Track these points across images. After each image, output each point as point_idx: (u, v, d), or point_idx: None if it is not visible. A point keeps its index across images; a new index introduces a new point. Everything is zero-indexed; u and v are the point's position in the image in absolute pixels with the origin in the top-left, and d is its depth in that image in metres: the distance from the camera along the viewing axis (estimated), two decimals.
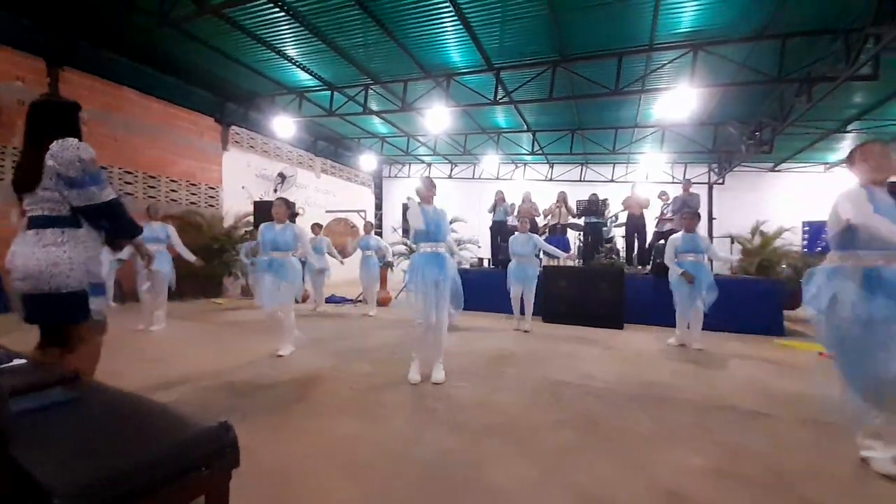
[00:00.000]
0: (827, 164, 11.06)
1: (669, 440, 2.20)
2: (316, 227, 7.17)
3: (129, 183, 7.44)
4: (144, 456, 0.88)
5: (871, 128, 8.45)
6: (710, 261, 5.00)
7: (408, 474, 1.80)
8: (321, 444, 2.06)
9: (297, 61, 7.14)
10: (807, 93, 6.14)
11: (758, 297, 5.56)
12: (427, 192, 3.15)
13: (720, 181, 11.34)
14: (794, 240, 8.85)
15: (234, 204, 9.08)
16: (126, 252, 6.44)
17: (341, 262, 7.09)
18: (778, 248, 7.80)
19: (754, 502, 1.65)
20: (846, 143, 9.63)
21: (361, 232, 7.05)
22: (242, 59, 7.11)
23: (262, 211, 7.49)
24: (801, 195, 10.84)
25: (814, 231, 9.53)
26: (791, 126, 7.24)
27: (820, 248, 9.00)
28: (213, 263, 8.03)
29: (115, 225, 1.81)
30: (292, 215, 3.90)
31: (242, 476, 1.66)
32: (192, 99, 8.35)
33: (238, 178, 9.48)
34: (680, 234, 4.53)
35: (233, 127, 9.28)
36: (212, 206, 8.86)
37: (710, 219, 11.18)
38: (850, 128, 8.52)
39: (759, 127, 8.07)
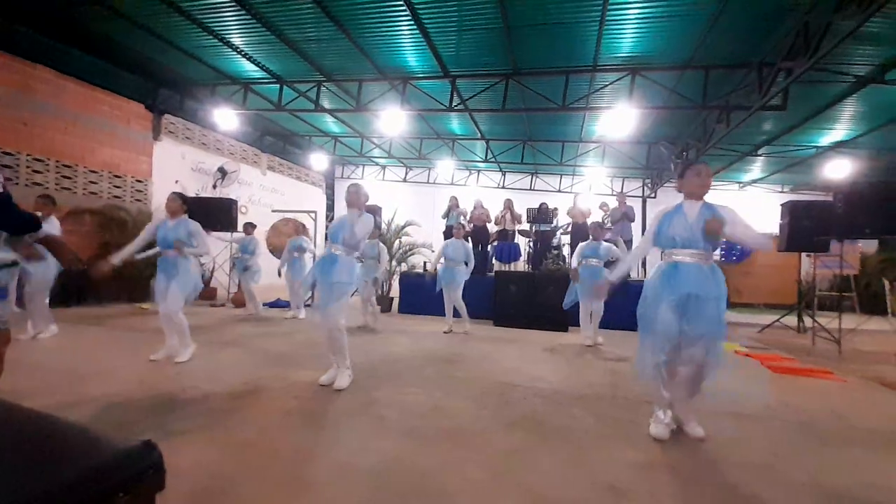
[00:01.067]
0: (741, 182, 12.47)
1: (609, 436, 2.33)
2: (249, 227, 6.77)
3: (39, 172, 6.57)
4: (53, 483, 0.77)
5: (778, 152, 9.67)
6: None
7: (355, 486, 1.74)
8: (260, 460, 1.93)
9: (242, 50, 6.74)
10: (726, 119, 6.89)
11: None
12: (350, 196, 3.13)
13: (653, 195, 12.34)
14: None
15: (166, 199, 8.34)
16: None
17: (253, 268, 6.62)
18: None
19: (681, 490, 1.79)
20: (757, 165, 10.93)
21: (311, 233, 6.79)
22: (179, 42, 6.57)
23: (199, 208, 6.94)
24: None
25: (729, 243, 10.66)
26: (712, 148, 8.07)
27: (735, 258, 10.12)
28: (138, 264, 7.31)
29: (7, 221, 1.58)
30: (189, 211, 3.65)
31: (168, 500, 1.51)
32: (119, 82, 7.57)
33: (171, 172, 8.72)
34: (588, 241, 5.01)
35: (166, 115, 8.54)
36: (139, 200, 8.07)
37: (644, 230, 12.13)
38: (760, 151, 9.67)
39: (686, 147, 8.90)
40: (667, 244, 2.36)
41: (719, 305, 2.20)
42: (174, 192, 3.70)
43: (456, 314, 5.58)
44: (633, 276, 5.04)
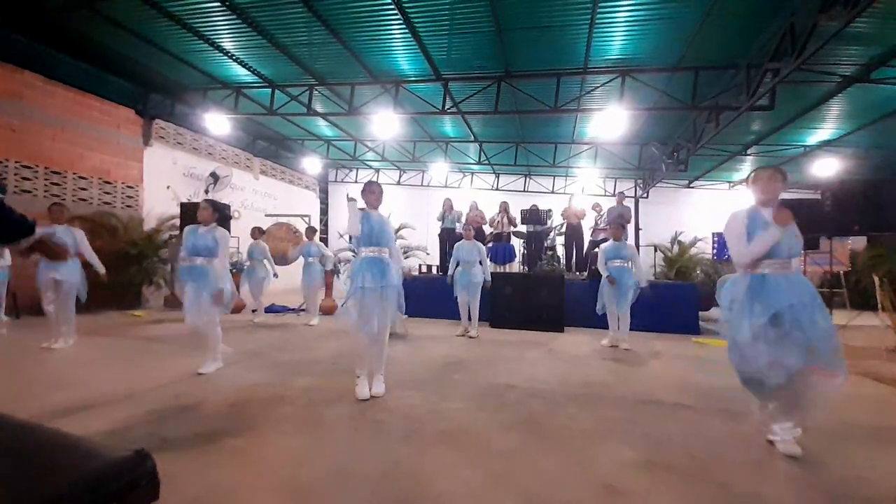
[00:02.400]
0: (731, 182, 12.62)
1: (605, 436, 2.34)
2: (256, 232, 6.75)
3: (28, 179, 6.49)
4: (45, 494, 0.75)
5: (767, 152, 9.80)
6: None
7: (354, 492, 1.72)
8: (255, 467, 1.91)
9: (233, 54, 6.71)
10: (715, 119, 6.97)
11: (676, 299, 6.16)
12: (371, 196, 3.05)
13: (645, 195, 12.45)
14: (706, 248, 9.99)
15: (158, 205, 8.26)
16: (7, 258, 5.62)
17: (275, 275, 6.69)
18: (693, 256, 8.73)
19: (678, 488, 1.80)
20: (746, 165, 11.07)
21: (304, 238, 6.75)
22: (169, 47, 6.53)
23: (191, 213, 6.89)
24: (710, 209, 12.22)
25: (722, 241, 10.75)
26: (702, 148, 8.16)
27: (727, 257, 10.23)
28: (130, 271, 7.22)
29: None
30: (221, 218, 3.59)
31: None
32: (109, 88, 7.51)
33: (163, 177, 8.65)
34: (609, 242, 4.95)
35: (157, 120, 8.48)
36: (130, 206, 7.99)
37: (637, 229, 12.23)
38: (749, 151, 9.80)
39: (677, 148, 9.00)
40: None
41: (823, 311, 2.06)
42: (206, 200, 3.64)
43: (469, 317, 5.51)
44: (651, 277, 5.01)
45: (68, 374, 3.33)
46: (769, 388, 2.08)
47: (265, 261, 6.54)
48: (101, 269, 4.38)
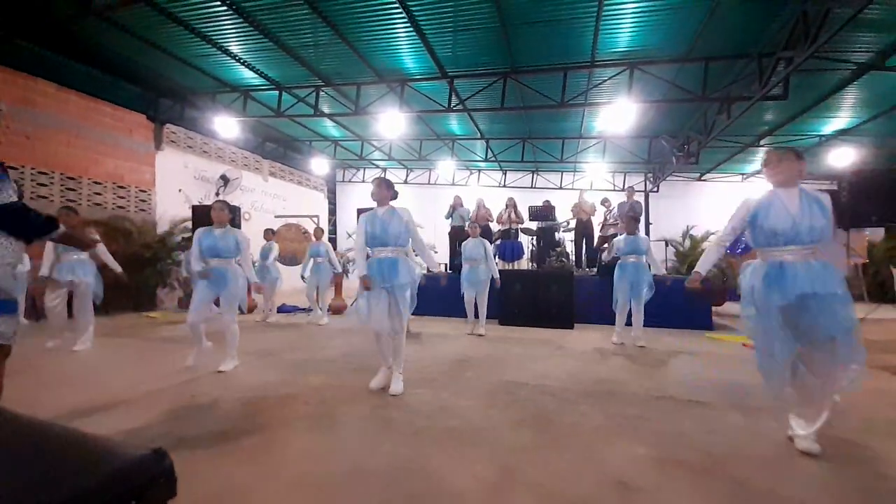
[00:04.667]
0: (744, 174, 12.38)
1: (618, 432, 2.32)
2: (269, 233, 6.86)
3: (44, 185, 6.65)
4: (65, 492, 0.77)
5: (781, 142, 9.59)
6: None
7: (366, 488, 1.74)
8: (270, 465, 1.94)
9: (240, 58, 6.79)
10: (726, 110, 6.85)
11: (689, 295, 6.07)
12: (378, 192, 3.00)
13: (655, 189, 12.29)
14: None
15: (170, 208, 8.40)
16: (27, 263, 5.76)
17: (278, 277, 6.77)
18: (705, 250, 8.59)
19: (691, 485, 1.78)
20: (760, 156, 10.85)
21: (313, 238, 6.81)
22: (178, 52, 6.63)
23: (202, 216, 6.99)
24: (723, 202, 11.99)
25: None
26: (714, 140, 8.03)
27: (740, 251, 10.04)
28: (145, 273, 7.36)
29: (23, 226, 1.60)
30: (233, 220, 3.64)
31: None
32: (120, 94, 7.66)
33: (174, 181, 8.79)
34: (623, 236, 4.81)
35: (168, 125, 8.61)
36: (143, 210, 8.14)
37: (647, 224, 12.09)
38: (762, 142, 9.61)
39: (687, 141, 8.86)
40: (766, 241, 2.10)
41: (845, 302, 1.93)
42: (220, 201, 3.64)
43: (477, 314, 5.49)
44: (654, 270, 4.89)
45: (87, 375, 3.41)
46: (782, 370, 2.01)
47: (274, 261, 6.64)
48: (118, 268, 4.46)
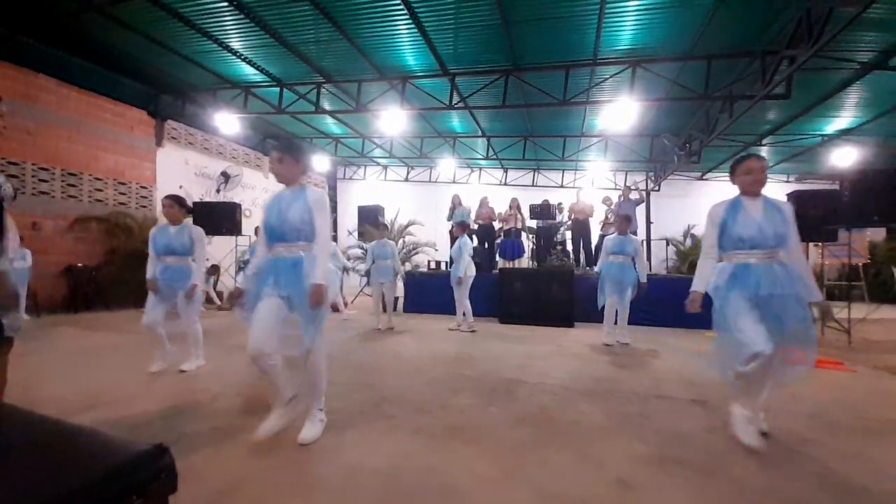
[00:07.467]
0: None
1: (617, 431, 2.32)
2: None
3: (45, 181, 6.65)
4: (67, 487, 0.78)
5: (783, 141, 9.58)
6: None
7: (366, 485, 1.75)
8: (271, 461, 1.95)
9: (241, 54, 6.77)
10: (729, 109, 6.82)
11: (689, 293, 6.06)
12: (280, 167, 2.17)
13: (656, 188, 12.27)
14: None
15: (162, 204, 8.40)
16: (28, 259, 5.75)
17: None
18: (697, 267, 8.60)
19: (691, 484, 1.78)
20: (762, 155, 10.83)
21: None
22: (179, 49, 6.61)
23: (203, 212, 7.00)
24: None
25: None
26: (716, 139, 8.00)
27: None
28: (145, 269, 7.37)
29: None
30: (189, 213, 3.48)
31: (181, 502, 1.53)
32: (121, 90, 7.65)
33: (175, 177, 8.79)
34: (613, 236, 4.78)
35: (168, 121, 8.60)
36: (144, 206, 8.15)
37: (649, 222, 12.07)
38: (765, 141, 9.58)
39: (689, 139, 8.83)
40: (731, 246, 2.22)
41: (802, 303, 2.06)
42: (169, 196, 3.38)
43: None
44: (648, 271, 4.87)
45: (86, 371, 3.42)
46: (747, 363, 2.02)
47: None
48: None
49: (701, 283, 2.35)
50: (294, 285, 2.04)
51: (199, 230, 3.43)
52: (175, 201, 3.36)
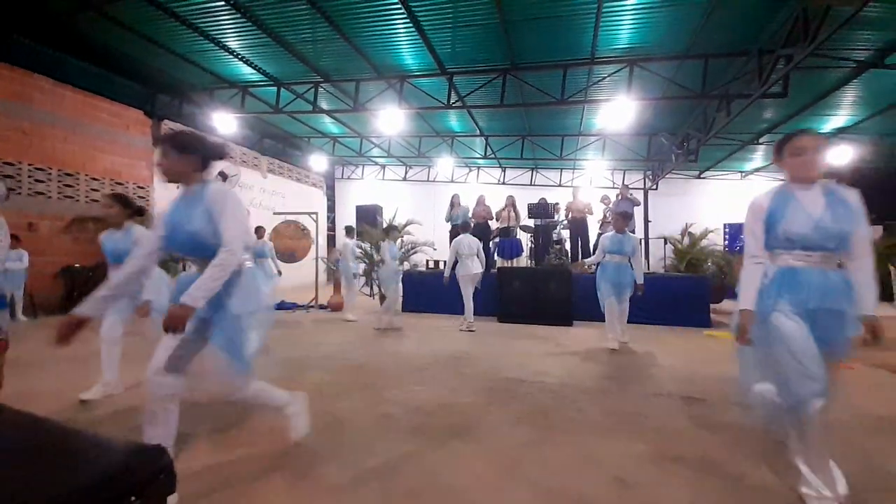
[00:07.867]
0: (743, 172, 12.38)
1: (616, 429, 2.33)
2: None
3: (41, 181, 6.61)
4: (66, 488, 0.78)
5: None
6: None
7: (365, 485, 1.75)
8: (269, 461, 1.94)
9: (238, 53, 6.74)
10: (726, 108, 6.83)
11: (687, 292, 6.09)
12: (167, 162, 1.73)
13: (654, 187, 12.28)
14: (717, 240, 9.81)
15: (168, 205, 8.37)
16: (25, 261, 5.71)
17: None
18: (704, 248, 8.60)
19: (689, 482, 1.79)
20: (759, 154, 10.86)
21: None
22: (176, 48, 6.58)
23: None
24: (722, 200, 12.03)
25: (733, 232, 10.63)
26: (713, 138, 8.02)
27: (739, 248, 10.06)
28: None
29: None
30: (133, 214, 2.87)
31: (179, 502, 1.52)
32: (117, 90, 7.61)
33: None
34: (611, 234, 4.55)
35: (165, 121, 8.56)
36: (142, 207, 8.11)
37: (646, 221, 12.09)
38: (762, 140, 9.61)
39: (686, 138, 8.85)
40: (776, 245, 1.70)
41: (853, 323, 1.64)
42: (109, 196, 2.90)
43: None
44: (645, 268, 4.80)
45: (84, 371, 3.40)
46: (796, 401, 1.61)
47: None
48: None
49: (750, 298, 1.70)
50: (213, 307, 1.63)
51: (144, 231, 2.73)
52: (116, 200, 2.80)
